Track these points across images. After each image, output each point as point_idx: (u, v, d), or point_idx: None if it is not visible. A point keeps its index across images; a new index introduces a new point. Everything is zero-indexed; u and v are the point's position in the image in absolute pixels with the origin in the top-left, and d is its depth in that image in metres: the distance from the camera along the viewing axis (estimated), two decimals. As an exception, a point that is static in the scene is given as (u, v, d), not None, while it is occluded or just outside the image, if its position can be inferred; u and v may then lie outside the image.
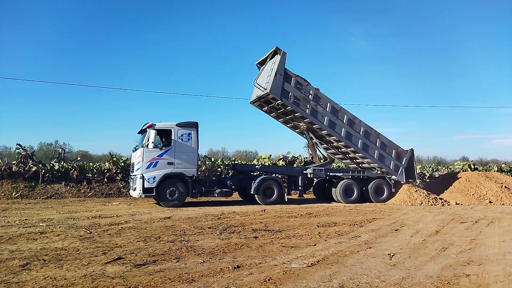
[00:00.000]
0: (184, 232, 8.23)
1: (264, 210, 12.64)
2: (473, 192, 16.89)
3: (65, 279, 4.82)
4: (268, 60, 15.18)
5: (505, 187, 17.16)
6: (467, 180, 17.87)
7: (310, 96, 14.93)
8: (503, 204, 15.90)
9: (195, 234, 8.10)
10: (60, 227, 8.80)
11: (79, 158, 21.79)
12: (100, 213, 11.44)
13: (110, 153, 19.97)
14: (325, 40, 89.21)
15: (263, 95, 14.91)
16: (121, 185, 19.04)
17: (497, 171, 29.21)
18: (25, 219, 10.05)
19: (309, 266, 5.58)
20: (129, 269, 5.29)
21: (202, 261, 5.78)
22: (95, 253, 6.26)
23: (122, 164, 19.95)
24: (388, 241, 7.65)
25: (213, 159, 23.07)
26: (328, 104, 15.20)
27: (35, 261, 5.69)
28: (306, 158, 23.32)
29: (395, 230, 9.04)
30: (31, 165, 18.70)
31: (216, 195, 14.43)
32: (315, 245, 7.14)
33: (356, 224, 9.75)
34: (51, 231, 8.19)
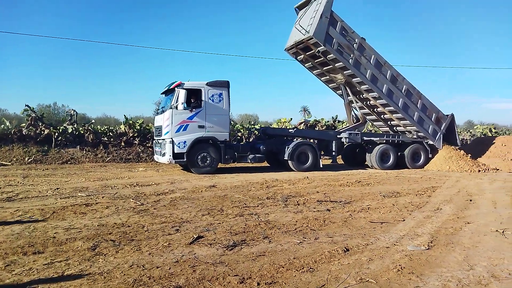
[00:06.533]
0: (245, 204, 7.38)
1: (307, 177, 11.82)
2: (511, 157, 16.15)
3: (157, 267, 3.95)
4: (312, 0, 13.80)
5: (544, 152, 16.43)
6: (503, 145, 17.09)
7: (355, 45, 13.63)
8: (544, 170, 15.21)
9: (257, 206, 7.25)
10: (103, 197, 7.89)
11: (93, 121, 20.62)
12: (135, 181, 10.53)
13: (125, 116, 18.84)
14: None
15: (303, 39, 13.58)
16: (139, 150, 18.08)
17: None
18: (56, 188, 9.11)
19: (427, 249, 4.75)
20: (223, 252, 4.44)
21: (297, 241, 4.94)
22: (166, 230, 5.38)
23: (138, 127, 18.89)
24: (477, 214, 6.87)
25: (232, 123, 22.03)
26: (373, 56, 13.96)
27: (102, 242, 4.80)
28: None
29: (469, 200, 8.26)
30: (43, 128, 17.58)
31: (250, 161, 13.51)
32: (403, 220, 6.33)
33: (421, 194, 8.95)
34: (96, 203, 7.28)
